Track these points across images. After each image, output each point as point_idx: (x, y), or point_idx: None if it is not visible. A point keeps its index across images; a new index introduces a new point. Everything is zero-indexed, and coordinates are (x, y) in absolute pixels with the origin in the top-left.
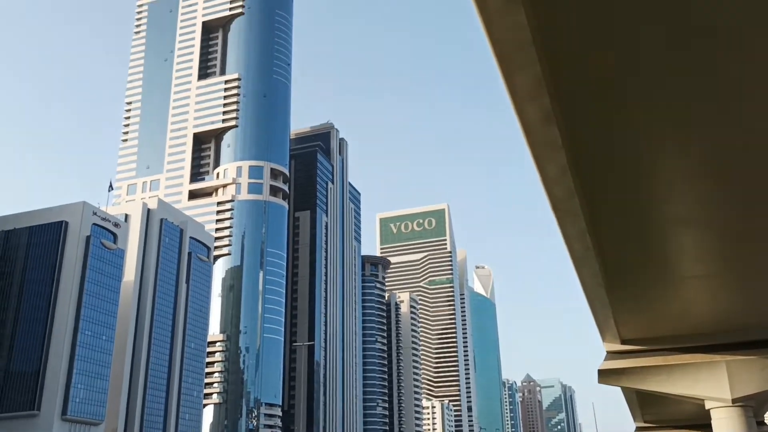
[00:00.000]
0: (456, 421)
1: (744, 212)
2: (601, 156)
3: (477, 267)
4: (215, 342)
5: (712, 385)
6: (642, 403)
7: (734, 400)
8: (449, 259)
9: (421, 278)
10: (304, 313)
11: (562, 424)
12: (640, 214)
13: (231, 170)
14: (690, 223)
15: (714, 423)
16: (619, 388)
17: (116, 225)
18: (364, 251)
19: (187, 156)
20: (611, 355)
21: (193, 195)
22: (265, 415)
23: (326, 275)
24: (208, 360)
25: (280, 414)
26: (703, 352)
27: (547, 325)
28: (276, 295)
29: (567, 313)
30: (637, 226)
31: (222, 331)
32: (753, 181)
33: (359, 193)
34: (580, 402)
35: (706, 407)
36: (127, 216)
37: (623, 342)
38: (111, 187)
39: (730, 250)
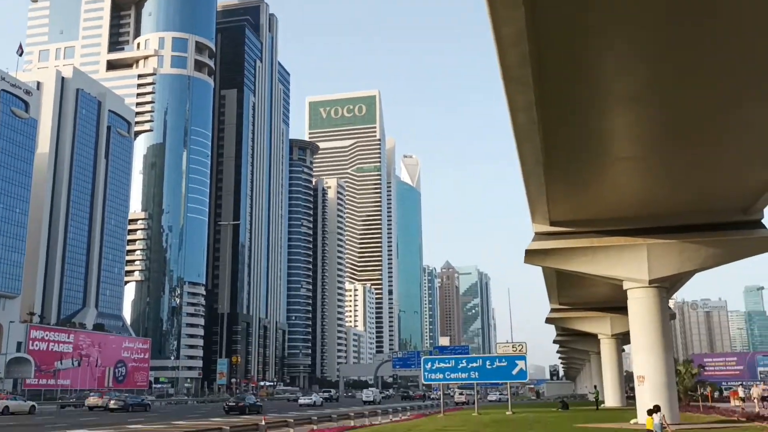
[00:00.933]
0: (377, 303)
1: (684, 98)
2: (562, 20)
3: (405, 156)
4: (137, 220)
5: (632, 267)
6: (561, 284)
7: (651, 281)
8: (378, 147)
9: (349, 165)
10: (229, 193)
11: (477, 308)
12: (588, 86)
13: (153, 41)
14: (633, 101)
15: (630, 302)
16: (536, 277)
17: (28, 93)
18: (292, 135)
19: (105, 23)
20: (539, 236)
21: (112, 66)
22: (189, 293)
23: (252, 157)
24: (129, 238)
25: (204, 293)
26: (627, 235)
27: (468, 216)
28: (200, 175)
29: (487, 205)
30: (584, 99)
31: (144, 209)
32: (697, 63)
33: (289, 74)
34: (495, 289)
35: (624, 287)
36: (39, 84)
37: (552, 224)
38: (21, 51)
39: (664, 134)
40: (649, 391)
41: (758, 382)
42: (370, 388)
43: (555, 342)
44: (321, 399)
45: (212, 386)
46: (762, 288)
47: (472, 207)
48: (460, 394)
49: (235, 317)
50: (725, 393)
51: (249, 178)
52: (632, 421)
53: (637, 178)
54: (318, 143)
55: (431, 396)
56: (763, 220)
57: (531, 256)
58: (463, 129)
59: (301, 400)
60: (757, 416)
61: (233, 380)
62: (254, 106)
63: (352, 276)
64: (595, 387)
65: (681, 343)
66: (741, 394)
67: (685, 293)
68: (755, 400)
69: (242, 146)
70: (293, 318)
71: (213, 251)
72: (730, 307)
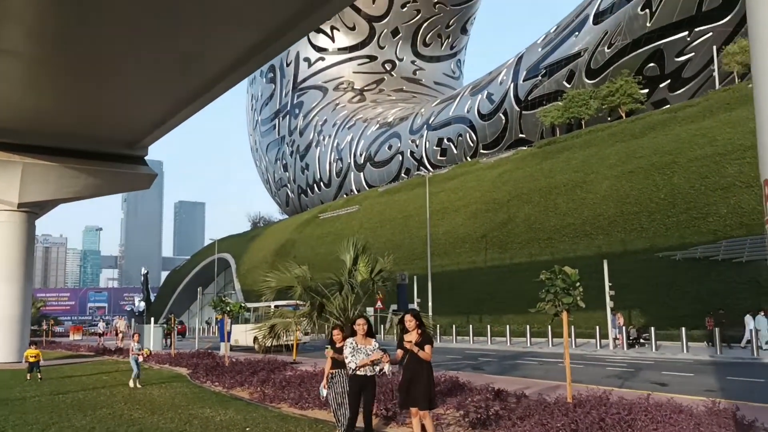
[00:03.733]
0: None
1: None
2: None
3: None
4: None
5: (2, 186)
6: None
7: (21, 205)
8: None
9: None
10: None
11: None
12: None
13: None
14: None
15: None
16: None
17: None
18: None
19: None
20: None
21: None
22: None
23: None
24: None
25: None
26: (3, 149)
27: None
28: None
29: None
30: None
31: None
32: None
33: None
34: None
35: None
36: None
37: None
38: None
39: (62, 38)
40: (2, 326)
41: (122, 316)
42: None
43: None
44: None
45: None
46: (101, 229)
47: None
48: None
49: None
50: (60, 329)
51: None
52: None
53: (21, 82)
54: None
55: None
56: (146, 158)
57: None
58: None
59: None
60: (105, 350)
61: None
62: None
63: None
64: None
65: None
66: (101, 329)
67: None
68: (119, 334)
69: None
70: None
71: None
72: (69, 244)
